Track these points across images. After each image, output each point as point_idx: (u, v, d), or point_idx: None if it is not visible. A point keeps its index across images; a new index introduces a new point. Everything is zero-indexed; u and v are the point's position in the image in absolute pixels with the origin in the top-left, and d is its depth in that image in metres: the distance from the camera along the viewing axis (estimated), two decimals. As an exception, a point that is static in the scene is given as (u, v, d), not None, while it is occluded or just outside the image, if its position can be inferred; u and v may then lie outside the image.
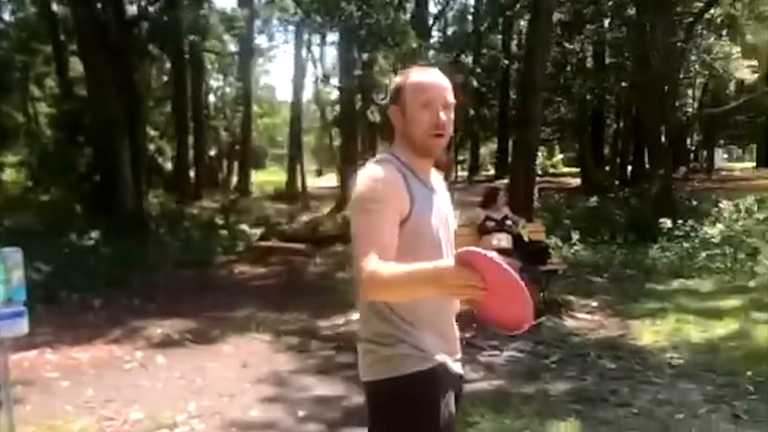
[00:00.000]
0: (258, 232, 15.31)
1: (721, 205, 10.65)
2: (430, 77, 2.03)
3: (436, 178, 2.16)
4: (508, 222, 7.31)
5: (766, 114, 31.30)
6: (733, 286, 8.07)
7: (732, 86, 20.10)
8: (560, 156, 43.09)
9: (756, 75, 18.44)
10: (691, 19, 14.58)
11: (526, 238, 7.30)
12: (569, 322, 6.88)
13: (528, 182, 10.18)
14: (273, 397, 5.05)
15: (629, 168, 26.19)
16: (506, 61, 27.56)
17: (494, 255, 1.66)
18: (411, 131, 2.02)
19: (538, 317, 6.95)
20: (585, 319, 6.98)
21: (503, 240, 7.15)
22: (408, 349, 1.97)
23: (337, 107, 30.39)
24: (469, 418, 4.38)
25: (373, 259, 1.82)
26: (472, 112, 29.30)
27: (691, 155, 33.49)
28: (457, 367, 2.12)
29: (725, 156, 45.17)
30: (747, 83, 19.82)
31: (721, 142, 38.28)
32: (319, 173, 51.34)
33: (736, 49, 16.63)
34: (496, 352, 6.00)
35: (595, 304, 7.52)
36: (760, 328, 6.22)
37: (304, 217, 19.02)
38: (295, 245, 13.92)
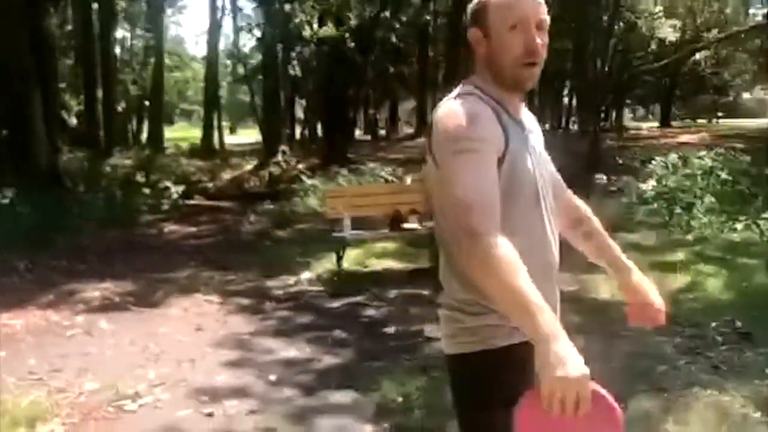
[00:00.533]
0: (180, 189, 14.70)
1: (653, 161, 10.90)
2: None
3: (528, 115, 1.83)
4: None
5: (670, 75, 32.54)
6: (673, 239, 8.27)
7: (654, 45, 20.66)
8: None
9: (677, 36, 18.97)
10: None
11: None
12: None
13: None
14: (237, 362, 4.77)
15: (546, 126, 26.74)
16: (427, 17, 27.36)
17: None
18: (498, 59, 1.67)
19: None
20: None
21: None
22: (499, 320, 1.64)
23: (253, 61, 29.47)
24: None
25: (485, 218, 1.51)
26: (391, 69, 29.08)
27: (602, 114, 34.46)
28: None
29: (630, 115, 46.86)
30: (669, 42, 20.35)
31: (628, 101, 39.56)
32: (232, 130, 50.08)
33: (659, 8, 17.01)
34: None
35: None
36: (711, 280, 6.37)
37: (227, 175, 18.46)
38: (222, 203, 13.47)
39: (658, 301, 1.93)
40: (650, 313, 1.94)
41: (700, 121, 38.98)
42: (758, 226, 8.21)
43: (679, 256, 7.33)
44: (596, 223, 2.04)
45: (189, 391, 4.22)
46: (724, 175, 10.29)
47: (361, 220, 7.45)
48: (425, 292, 6.35)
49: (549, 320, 1.44)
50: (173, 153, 24.44)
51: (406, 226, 6.90)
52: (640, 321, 1.98)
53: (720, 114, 38.77)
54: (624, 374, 4.25)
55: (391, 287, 6.52)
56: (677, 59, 19.92)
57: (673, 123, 35.96)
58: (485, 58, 1.71)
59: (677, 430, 3.47)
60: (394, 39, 25.81)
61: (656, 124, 38.90)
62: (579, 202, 2.06)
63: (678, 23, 18.63)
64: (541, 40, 1.67)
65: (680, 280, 6.43)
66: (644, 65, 22.10)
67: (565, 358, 1.40)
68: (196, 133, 29.81)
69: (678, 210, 9.00)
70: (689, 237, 8.26)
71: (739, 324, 5.10)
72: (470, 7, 1.74)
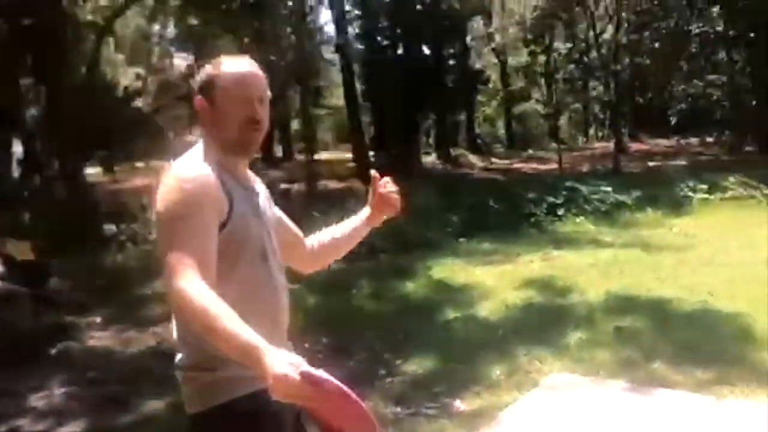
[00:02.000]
0: None
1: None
2: (245, 68, 1.87)
3: (254, 178, 1.99)
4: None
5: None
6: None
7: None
8: None
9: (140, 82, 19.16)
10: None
11: (18, 259, 6.35)
12: (93, 342, 6.28)
13: None
14: None
15: None
16: None
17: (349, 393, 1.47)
18: (224, 127, 1.83)
19: (54, 344, 6.16)
20: (104, 336, 6.46)
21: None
22: (239, 370, 1.63)
23: None
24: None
25: (188, 273, 1.60)
26: None
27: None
28: None
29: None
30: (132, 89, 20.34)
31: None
32: None
33: (120, 56, 16.88)
34: (44, 393, 5.10)
35: (99, 319, 6.97)
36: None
37: None
38: None
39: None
40: (392, 200, 2.18)
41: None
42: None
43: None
44: (318, 233, 2.23)
45: None
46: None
47: None
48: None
49: (247, 339, 1.49)
50: None
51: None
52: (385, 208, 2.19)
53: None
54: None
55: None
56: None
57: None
58: (210, 124, 1.86)
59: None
60: None
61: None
62: (306, 239, 2.21)
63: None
64: (262, 114, 1.86)
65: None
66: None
67: (271, 362, 1.44)
68: None
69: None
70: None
71: (325, 340, 5.66)
72: (198, 76, 1.88)
